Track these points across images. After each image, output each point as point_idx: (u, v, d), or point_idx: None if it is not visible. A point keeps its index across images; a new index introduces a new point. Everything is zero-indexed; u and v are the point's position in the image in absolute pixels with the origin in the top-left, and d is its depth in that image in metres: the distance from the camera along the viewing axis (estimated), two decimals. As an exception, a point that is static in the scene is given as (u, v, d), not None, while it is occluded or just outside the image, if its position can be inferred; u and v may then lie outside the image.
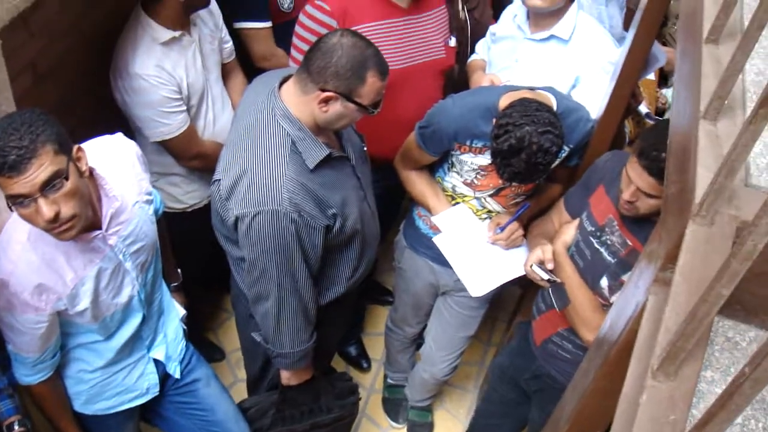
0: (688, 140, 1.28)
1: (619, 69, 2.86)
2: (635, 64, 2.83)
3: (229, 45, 3.37)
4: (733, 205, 1.11)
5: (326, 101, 2.36)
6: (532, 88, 2.83)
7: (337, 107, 2.38)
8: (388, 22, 3.18)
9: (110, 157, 2.37)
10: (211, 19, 3.21)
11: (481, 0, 3.84)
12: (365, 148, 2.84)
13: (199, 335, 4.11)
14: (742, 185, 1.15)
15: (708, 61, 1.38)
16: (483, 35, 3.62)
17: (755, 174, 1.16)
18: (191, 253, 3.31)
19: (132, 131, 3.05)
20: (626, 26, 3.58)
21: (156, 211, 2.60)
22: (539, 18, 3.20)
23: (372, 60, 2.37)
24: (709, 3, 1.51)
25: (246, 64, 3.56)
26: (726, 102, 1.25)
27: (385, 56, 2.45)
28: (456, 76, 3.69)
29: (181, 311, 2.90)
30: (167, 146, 3.09)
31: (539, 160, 2.56)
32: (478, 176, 2.93)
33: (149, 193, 2.51)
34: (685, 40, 1.66)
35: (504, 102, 2.71)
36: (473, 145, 2.84)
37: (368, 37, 2.47)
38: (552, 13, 3.15)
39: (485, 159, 2.84)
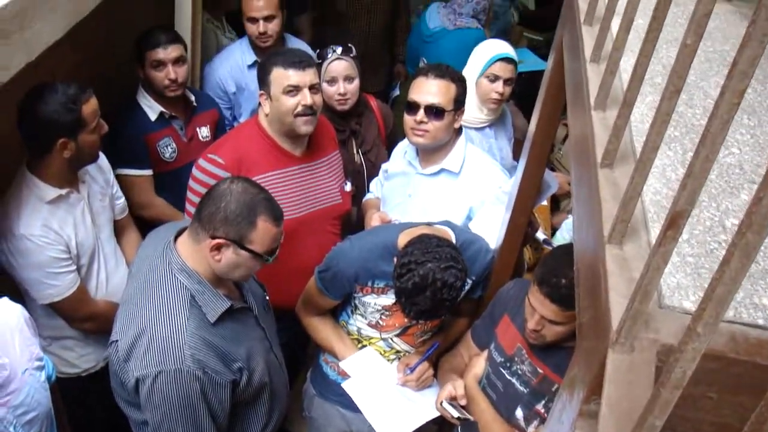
0: (596, 266, 1.27)
1: (514, 198, 2.90)
2: (529, 192, 2.88)
3: (122, 201, 3.33)
4: (652, 329, 1.09)
5: (218, 248, 2.31)
6: (429, 224, 2.84)
7: (229, 255, 2.34)
8: (283, 172, 3.19)
9: (-4, 325, 2.25)
10: (101, 175, 3.16)
11: (375, 142, 3.90)
12: (267, 298, 2.78)
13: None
14: (657, 307, 1.14)
15: (605, 185, 1.39)
16: (379, 177, 3.67)
17: (668, 294, 1.15)
18: (89, 419, 3.16)
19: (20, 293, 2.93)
20: (516, 156, 3.67)
21: (48, 378, 2.47)
22: (428, 153, 3.26)
23: (262, 204, 2.35)
24: (599, 128, 1.54)
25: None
26: (629, 224, 1.25)
27: (281, 205, 2.44)
28: (354, 220, 3.70)
29: (80, 484, 2.73)
30: (57, 308, 2.97)
31: (445, 295, 2.54)
32: (383, 317, 2.89)
33: (40, 359, 2.39)
34: (579, 166, 1.67)
35: (402, 240, 2.70)
36: (375, 285, 2.82)
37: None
38: (439, 148, 3.22)
39: (389, 299, 2.81)
